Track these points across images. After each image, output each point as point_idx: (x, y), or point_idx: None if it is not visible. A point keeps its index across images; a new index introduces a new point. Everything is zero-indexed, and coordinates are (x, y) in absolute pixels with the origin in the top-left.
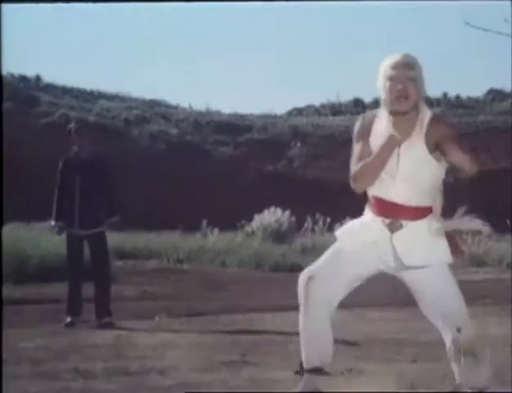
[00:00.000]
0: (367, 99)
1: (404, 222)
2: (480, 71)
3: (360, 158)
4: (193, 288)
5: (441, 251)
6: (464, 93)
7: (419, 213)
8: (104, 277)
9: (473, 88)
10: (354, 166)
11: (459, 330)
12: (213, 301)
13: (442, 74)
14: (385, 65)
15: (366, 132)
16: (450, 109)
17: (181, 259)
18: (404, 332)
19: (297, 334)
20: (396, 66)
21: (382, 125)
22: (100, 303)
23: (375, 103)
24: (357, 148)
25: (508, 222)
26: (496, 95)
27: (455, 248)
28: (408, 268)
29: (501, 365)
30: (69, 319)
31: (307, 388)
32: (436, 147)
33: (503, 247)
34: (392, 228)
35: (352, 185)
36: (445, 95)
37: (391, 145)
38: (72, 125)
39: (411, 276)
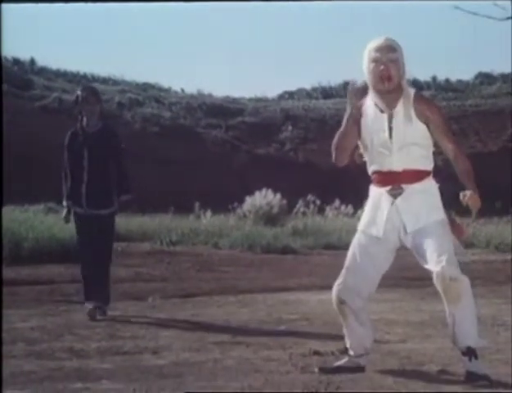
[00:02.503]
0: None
1: (404, 185)
2: (469, 55)
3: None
4: (186, 270)
5: (436, 211)
6: (454, 77)
7: (416, 176)
8: (105, 262)
9: (463, 71)
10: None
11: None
12: (206, 283)
13: (432, 57)
14: (369, 48)
15: (356, 114)
16: (439, 92)
17: (174, 241)
18: (394, 313)
19: (287, 314)
20: (379, 49)
21: (371, 106)
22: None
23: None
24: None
25: (497, 204)
26: (484, 78)
27: (456, 228)
28: (410, 232)
29: (490, 346)
30: (89, 306)
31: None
32: (425, 123)
33: (491, 229)
34: (394, 193)
35: (333, 158)
36: (434, 78)
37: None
38: (79, 93)
39: (411, 238)
